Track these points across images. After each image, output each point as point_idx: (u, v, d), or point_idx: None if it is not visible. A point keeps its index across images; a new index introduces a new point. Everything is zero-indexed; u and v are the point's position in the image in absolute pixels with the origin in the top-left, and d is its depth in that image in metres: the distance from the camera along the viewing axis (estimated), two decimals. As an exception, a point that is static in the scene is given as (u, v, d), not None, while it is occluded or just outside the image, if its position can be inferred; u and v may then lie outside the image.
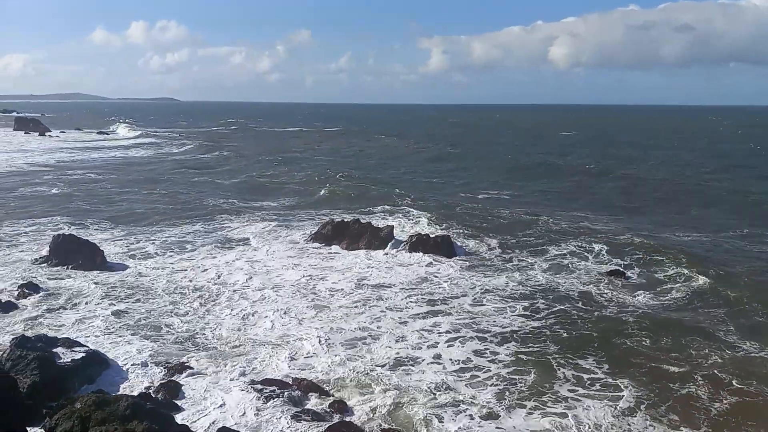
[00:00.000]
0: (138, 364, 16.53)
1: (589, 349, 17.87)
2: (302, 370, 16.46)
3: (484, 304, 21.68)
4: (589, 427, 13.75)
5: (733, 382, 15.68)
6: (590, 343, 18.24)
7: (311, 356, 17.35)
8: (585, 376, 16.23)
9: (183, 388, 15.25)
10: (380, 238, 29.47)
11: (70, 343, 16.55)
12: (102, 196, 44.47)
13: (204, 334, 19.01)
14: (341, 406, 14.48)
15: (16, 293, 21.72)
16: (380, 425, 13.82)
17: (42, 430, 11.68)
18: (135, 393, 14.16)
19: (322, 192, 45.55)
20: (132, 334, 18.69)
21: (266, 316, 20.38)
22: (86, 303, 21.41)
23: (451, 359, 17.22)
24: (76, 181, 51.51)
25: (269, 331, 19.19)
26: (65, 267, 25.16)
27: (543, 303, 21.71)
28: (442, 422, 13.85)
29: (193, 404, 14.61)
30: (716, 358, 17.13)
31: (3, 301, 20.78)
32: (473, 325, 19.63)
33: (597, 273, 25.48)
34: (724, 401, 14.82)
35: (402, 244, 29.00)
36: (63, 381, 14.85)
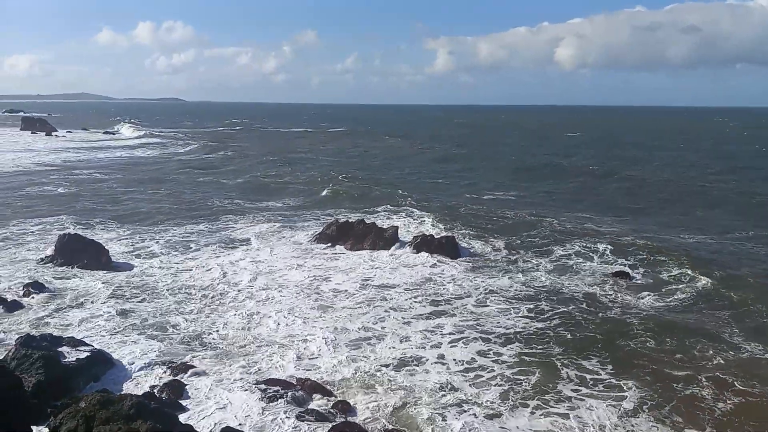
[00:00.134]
0: (143, 364, 16.61)
1: (593, 350, 17.86)
2: (306, 370, 16.50)
3: (489, 305, 21.68)
4: (593, 428, 13.75)
5: (737, 383, 15.64)
6: (594, 344, 18.22)
7: (316, 356, 17.40)
8: (589, 377, 16.22)
9: (187, 387, 15.31)
10: (385, 239, 29.47)
11: (75, 343, 16.63)
12: (107, 195, 44.67)
13: (209, 333, 19.08)
14: (345, 407, 14.50)
15: (21, 292, 21.83)
16: (384, 425, 13.84)
17: (46, 429, 11.71)
18: (139, 392, 14.23)
19: (327, 192, 45.55)
20: (138, 334, 18.78)
21: (270, 317, 20.43)
22: (92, 302, 21.51)
23: (455, 359, 17.24)
24: (82, 181, 51.77)
25: (273, 332, 19.24)
26: (71, 266, 25.28)
27: (547, 304, 21.69)
28: (446, 421, 13.86)
29: (198, 404, 14.66)
30: (720, 360, 17.09)
31: (9, 300, 20.90)
32: (477, 326, 19.63)
33: (601, 274, 25.44)
34: (728, 402, 14.78)
35: (406, 245, 29.01)
36: (68, 380, 14.93)
